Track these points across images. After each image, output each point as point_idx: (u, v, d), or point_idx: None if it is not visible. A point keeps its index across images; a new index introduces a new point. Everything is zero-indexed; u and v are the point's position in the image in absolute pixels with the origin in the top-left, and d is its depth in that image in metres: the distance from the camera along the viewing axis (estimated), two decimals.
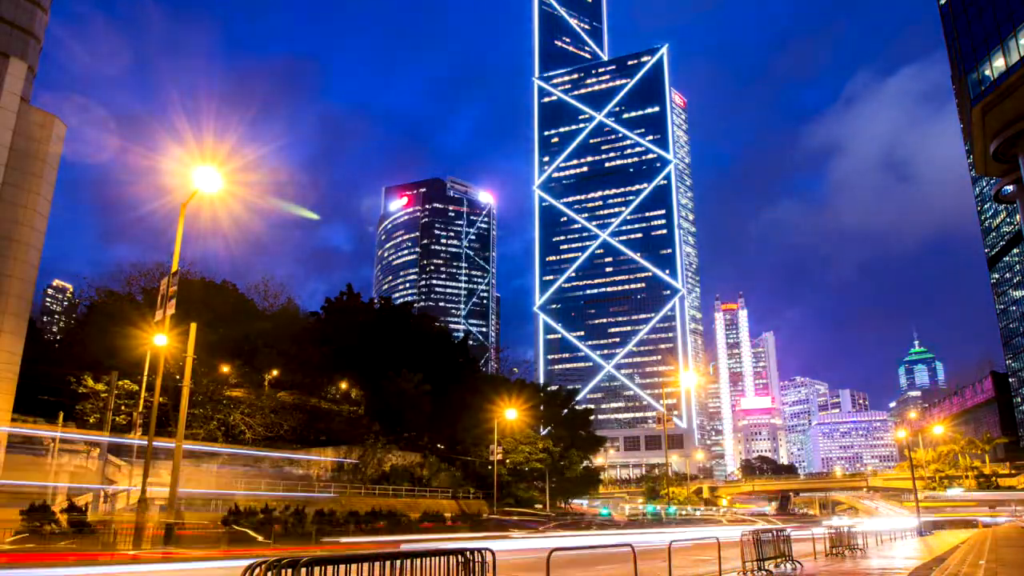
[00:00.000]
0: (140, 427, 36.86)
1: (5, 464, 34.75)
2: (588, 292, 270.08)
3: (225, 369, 53.79)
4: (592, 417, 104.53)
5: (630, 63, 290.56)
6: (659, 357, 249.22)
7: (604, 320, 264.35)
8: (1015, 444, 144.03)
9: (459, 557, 8.88)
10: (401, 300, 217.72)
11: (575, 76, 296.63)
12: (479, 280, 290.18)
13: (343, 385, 68.13)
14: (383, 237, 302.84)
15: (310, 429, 60.41)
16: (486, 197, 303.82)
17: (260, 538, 32.32)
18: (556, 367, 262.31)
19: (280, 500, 49.13)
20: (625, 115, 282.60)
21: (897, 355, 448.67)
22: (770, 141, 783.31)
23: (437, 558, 8.61)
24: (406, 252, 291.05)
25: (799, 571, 18.98)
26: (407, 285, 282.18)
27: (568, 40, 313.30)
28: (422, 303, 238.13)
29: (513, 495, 72.91)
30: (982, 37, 37.25)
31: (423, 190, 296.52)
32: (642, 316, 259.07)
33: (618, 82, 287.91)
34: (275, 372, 62.17)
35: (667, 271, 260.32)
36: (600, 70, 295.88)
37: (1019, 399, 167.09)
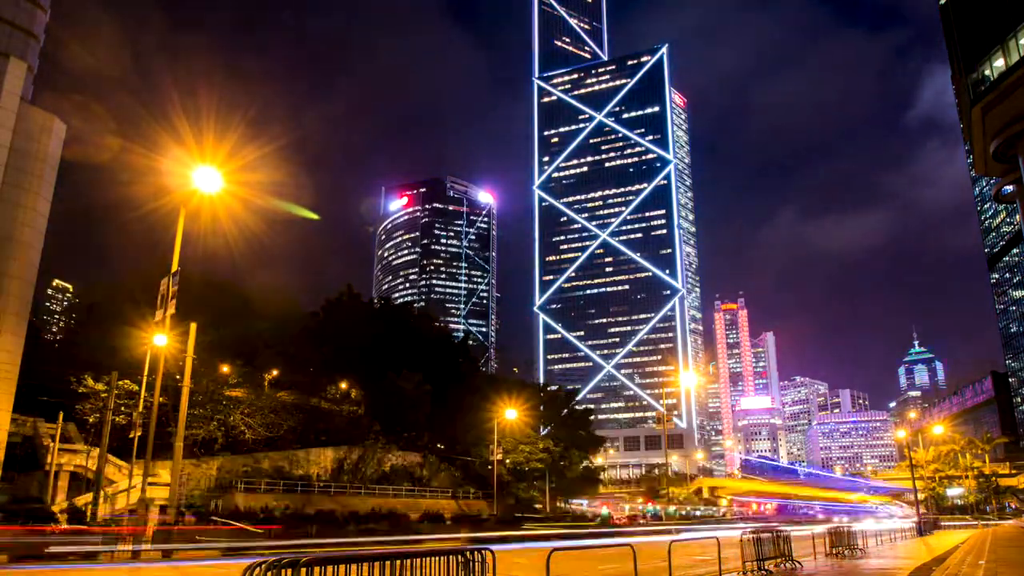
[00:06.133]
0: (140, 427, 36.84)
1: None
2: (588, 292, 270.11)
3: (225, 369, 53.81)
4: (592, 417, 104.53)
5: (630, 63, 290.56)
6: (659, 357, 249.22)
7: (604, 320, 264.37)
8: (1015, 444, 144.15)
9: (459, 557, 8.88)
10: (401, 300, 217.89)
11: (575, 76, 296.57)
12: (479, 280, 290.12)
13: (343, 385, 68.15)
14: (383, 237, 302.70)
15: (310, 429, 60.42)
16: (486, 197, 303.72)
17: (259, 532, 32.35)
18: (556, 367, 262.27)
19: (280, 500, 49.18)
20: (625, 115, 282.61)
21: (897, 355, 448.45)
22: (770, 140, 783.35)
23: (437, 558, 8.61)
24: (406, 252, 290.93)
25: (799, 571, 18.98)
26: (407, 285, 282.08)
27: (568, 40, 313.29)
28: (422, 303, 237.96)
29: (513, 495, 72.93)
30: (982, 37, 37.25)
31: (423, 190, 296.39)
32: (642, 316, 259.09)
33: (618, 82, 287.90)
34: (275, 372, 62.21)
35: (667, 271, 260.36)
36: (600, 70, 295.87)
37: (1019, 399, 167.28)
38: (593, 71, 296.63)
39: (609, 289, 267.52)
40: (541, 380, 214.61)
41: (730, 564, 17.56)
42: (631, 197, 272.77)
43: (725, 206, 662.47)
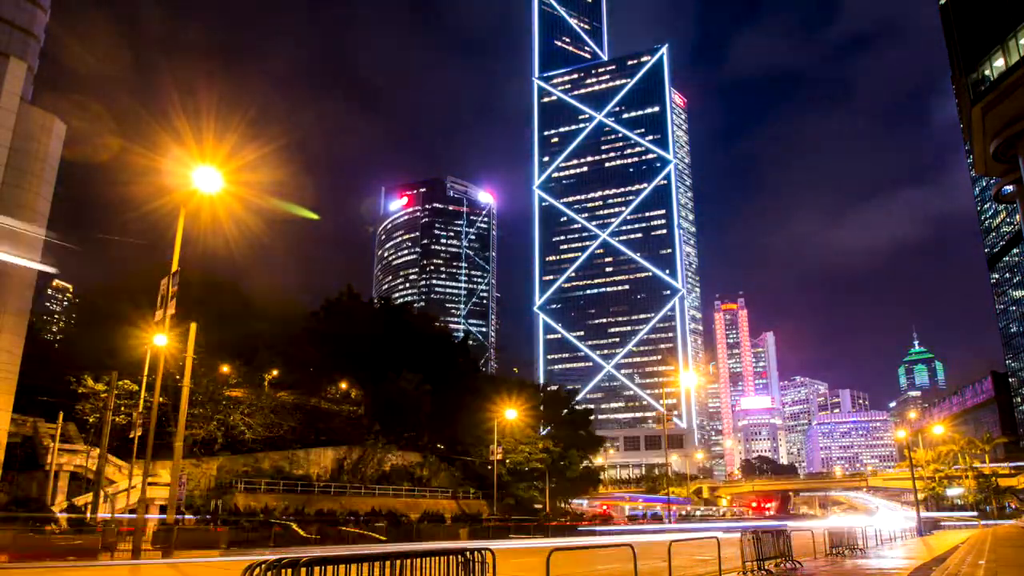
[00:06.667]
0: (140, 427, 36.83)
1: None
2: (588, 292, 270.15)
3: (225, 369, 53.80)
4: (592, 417, 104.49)
5: (630, 63, 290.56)
6: (659, 357, 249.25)
7: (604, 320, 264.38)
8: (1015, 444, 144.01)
9: (459, 557, 8.87)
10: (401, 300, 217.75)
11: (575, 76, 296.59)
12: (479, 280, 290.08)
13: (343, 385, 68.13)
14: (383, 237, 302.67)
15: (310, 429, 60.42)
16: (486, 197, 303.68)
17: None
18: (556, 367, 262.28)
19: (280, 500, 49.17)
20: (625, 115, 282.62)
21: (897, 355, 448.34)
22: (771, 141, 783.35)
23: (437, 558, 8.60)
24: (406, 252, 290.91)
25: (799, 571, 18.97)
26: (407, 285, 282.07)
27: (568, 40, 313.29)
28: (422, 303, 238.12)
29: (513, 495, 72.92)
30: (982, 37, 37.23)
31: (423, 190, 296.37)
32: (642, 316, 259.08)
33: (618, 82, 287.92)
34: (275, 372, 62.17)
35: (667, 271, 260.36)
36: (600, 70, 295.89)
37: (1019, 399, 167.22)
38: (593, 71, 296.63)
39: (609, 289, 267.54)
40: (541, 380, 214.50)
41: (729, 564, 17.55)
42: (631, 197, 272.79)
43: (725, 206, 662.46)
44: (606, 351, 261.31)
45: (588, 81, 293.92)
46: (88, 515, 34.92)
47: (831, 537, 25.78)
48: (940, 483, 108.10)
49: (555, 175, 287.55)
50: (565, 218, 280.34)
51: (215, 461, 50.38)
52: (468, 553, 8.98)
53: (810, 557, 23.59)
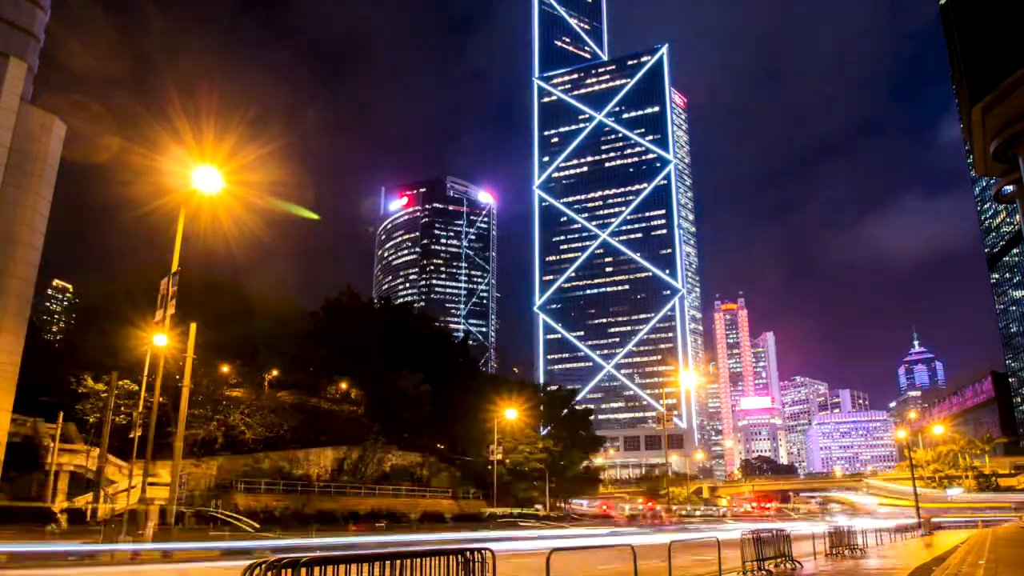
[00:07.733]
0: (140, 427, 36.84)
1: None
2: (588, 292, 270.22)
3: (225, 369, 53.83)
4: (592, 417, 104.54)
5: (630, 63, 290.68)
6: (659, 357, 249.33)
7: (604, 320, 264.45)
8: (1015, 444, 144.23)
9: (459, 557, 8.87)
10: (401, 300, 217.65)
11: (575, 76, 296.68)
12: (479, 280, 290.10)
13: (343, 385, 68.16)
14: (383, 237, 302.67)
15: (310, 429, 60.42)
16: (486, 197, 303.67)
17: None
18: (556, 367, 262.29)
19: (280, 500, 49.14)
20: (625, 115, 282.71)
21: (897, 355, 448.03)
22: (771, 140, 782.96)
23: (437, 558, 8.60)
24: (406, 252, 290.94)
25: (799, 571, 18.98)
26: (407, 285, 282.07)
27: (568, 40, 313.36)
28: (422, 303, 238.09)
29: (513, 495, 72.96)
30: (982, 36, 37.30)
31: (423, 190, 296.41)
32: (642, 316, 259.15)
33: (618, 82, 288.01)
34: (275, 372, 62.23)
35: (667, 271, 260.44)
36: (600, 70, 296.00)
37: (1019, 399, 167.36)
38: (593, 71, 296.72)
39: (609, 289, 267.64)
40: (541, 380, 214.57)
41: (729, 564, 17.54)
42: (631, 197, 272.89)
43: (725, 206, 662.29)
44: (606, 351, 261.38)
45: (588, 81, 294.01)
46: (89, 515, 34.96)
47: (831, 537, 25.78)
48: (940, 483, 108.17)
49: (555, 175, 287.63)
50: (565, 218, 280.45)
51: (215, 461, 50.38)
52: (468, 553, 8.97)
53: (810, 557, 23.60)
